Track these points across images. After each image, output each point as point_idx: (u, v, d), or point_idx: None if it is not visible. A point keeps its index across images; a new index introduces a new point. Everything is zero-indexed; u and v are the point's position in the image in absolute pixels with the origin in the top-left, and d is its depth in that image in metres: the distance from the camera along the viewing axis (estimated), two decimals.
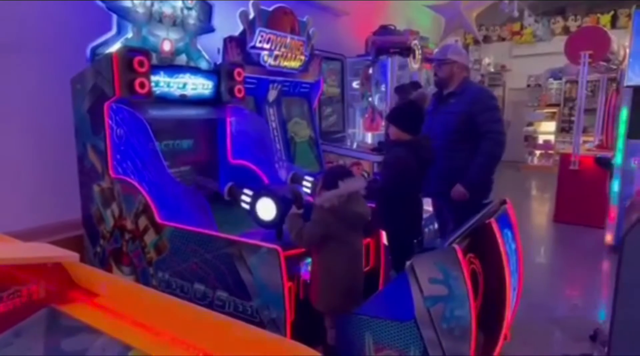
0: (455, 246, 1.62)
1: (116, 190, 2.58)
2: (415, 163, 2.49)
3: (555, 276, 4.13)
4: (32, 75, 2.87)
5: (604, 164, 5.15)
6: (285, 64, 4.05)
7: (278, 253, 1.98)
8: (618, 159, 4.54)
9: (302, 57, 4.19)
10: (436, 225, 3.52)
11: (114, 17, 2.64)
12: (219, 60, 3.32)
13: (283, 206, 2.16)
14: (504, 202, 2.34)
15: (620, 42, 6.00)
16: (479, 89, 3.12)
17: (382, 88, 5.67)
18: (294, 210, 2.14)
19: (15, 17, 2.76)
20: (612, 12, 9.53)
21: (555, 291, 3.74)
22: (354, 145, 5.59)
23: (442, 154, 2.85)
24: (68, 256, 1.17)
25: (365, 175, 2.77)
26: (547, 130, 10.06)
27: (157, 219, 2.40)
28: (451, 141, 2.82)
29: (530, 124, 10.27)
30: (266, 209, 2.24)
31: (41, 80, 2.88)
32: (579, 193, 5.38)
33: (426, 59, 5.65)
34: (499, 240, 1.89)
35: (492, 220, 1.90)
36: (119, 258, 2.66)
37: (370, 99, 5.61)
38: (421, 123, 2.57)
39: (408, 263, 1.68)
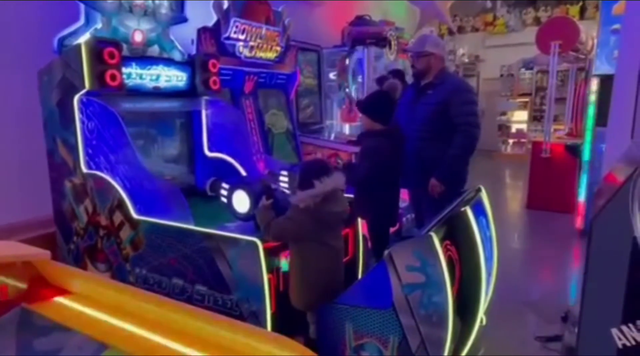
0: (432, 234, 1.64)
1: (89, 185, 2.51)
2: (389, 152, 2.51)
3: (529, 261, 4.25)
4: None
5: (574, 151, 5.31)
6: (261, 54, 4.00)
7: (257, 245, 1.98)
8: (587, 146, 4.69)
9: (278, 48, 4.15)
10: (413, 215, 3.56)
11: (82, 7, 2.56)
12: (193, 52, 3.26)
13: (257, 198, 2.13)
14: (478, 190, 2.39)
15: (589, 32, 6.16)
16: (458, 80, 3.12)
17: (359, 79, 5.68)
18: (263, 201, 2.07)
19: None
20: (580, 3, 9.77)
21: (528, 275, 3.85)
22: (332, 136, 5.60)
23: (420, 145, 2.87)
24: (39, 254, 1.14)
25: (340, 162, 2.76)
26: (519, 119, 10.28)
27: (133, 214, 2.35)
28: (429, 132, 2.84)
29: (503, 113, 10.48)
30: (241, 202, 2.22)
31: (5, 72, 2.77)
32: (551, 180, 5.53)
33: (404, 50, 5.67)
34: (474, 227, 1.93)
35: (467, 207, 1.94)
36: (94, 255, 2.60)
37: (347, 90, 5.61)
38: (392, 113, 2.59)
39: (386, 252, 1.70)
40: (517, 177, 8.10)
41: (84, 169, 2.50)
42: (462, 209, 1.94)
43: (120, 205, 2.39)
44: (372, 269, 1.79)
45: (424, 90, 2.92)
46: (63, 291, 1.17)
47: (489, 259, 2.10)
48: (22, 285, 1.19)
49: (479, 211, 2.15)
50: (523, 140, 9.98)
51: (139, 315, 1.06)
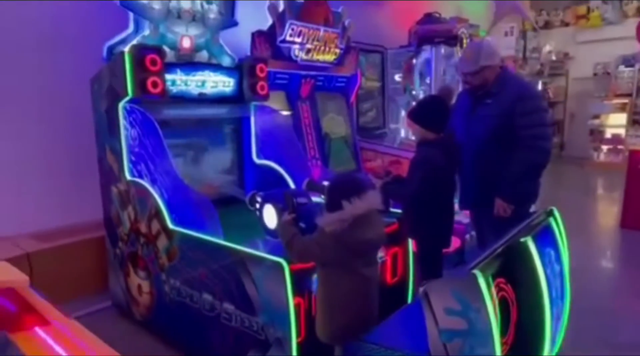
0: (476, 272, 1.35)
1: (131, 192, 2.52)
2: (443, 164, 2.21)
3: (620, 292, 3.63)
4: (52, 76, 2.88)
5: None
6: (319, 57, 3.87)
7: (283, 266, 1.81)
8: None
9: (337, 50, 3.99)
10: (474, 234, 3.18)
11: (131, 15, 2.58)
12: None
13: (283, 213, 1.95)
14: (549, 213, 2.00)
15: None
16: (521, 85, 2.57)
17: (427, 80, 5.33)
18: (285, 216, 1.87)
19: (33, 17, 2.77)
20: None
21: (618, 310, 3.27)
22: (397, 142, 5.30)
23: (479, 160, 2.49)
24: (16, 281, 1.06)
25: (386, 174, 2.47)
26: (616, 123, 9.12)
27: (169, 224, 2.30)
28: (489, 146, 2.45)
29: (596, 117, 9.37)
30: (270, 216, 2.07)
31: (62, 80, 2.89)
32: None
33: (456, 69, 5.06)
34: (537, 262, 1.59)
35: (529, 238, 1.60)
36: (135, 261, 2.61)
37: (413, 92, 5.29)
38: (446, 120, 2.28)
39: (421, 288, 1.44)
40: (611, 190, 7.15)
41: (128, 176, 2.51)
42: (522, 240, 1.61)
43: (157, 214, 2.35)
44: (406, 307, 1.54)
45: (481, 98, 2.51)
46: (42, 321, 1.08)
47: (556, 299, 1.73)
48: (10, 309, 1.13)
49: (546, 241, 1.79)
50: (620, 146, 8.82)
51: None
